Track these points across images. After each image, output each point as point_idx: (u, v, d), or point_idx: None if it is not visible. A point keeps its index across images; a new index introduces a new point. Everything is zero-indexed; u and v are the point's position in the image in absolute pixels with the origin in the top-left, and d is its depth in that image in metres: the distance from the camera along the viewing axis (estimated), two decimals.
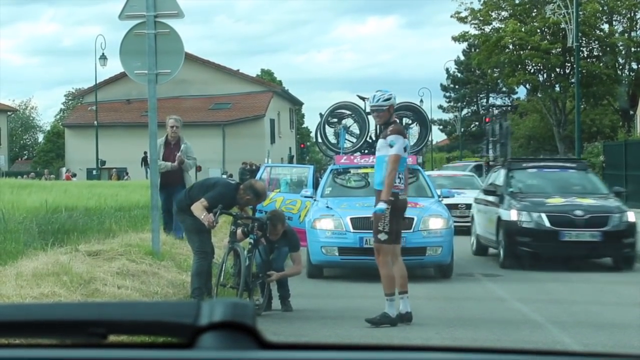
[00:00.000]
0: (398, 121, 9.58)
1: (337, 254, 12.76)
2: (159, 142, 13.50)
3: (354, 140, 16.10)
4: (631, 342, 8.14)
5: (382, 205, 8.87)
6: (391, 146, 8.93)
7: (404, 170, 9.16)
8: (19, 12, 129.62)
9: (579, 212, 14.25)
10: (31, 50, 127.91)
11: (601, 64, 36.67)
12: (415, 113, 16.55)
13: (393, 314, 8.87)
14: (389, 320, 8.84)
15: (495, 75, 44.34)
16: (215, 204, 9.33)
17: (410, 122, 16.39)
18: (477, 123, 73.19)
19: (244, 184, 9.72)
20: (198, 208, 9.28)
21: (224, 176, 11.34)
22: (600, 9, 36.54)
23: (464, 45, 50.01)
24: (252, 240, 9.62)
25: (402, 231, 12.38)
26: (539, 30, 35.89)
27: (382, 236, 8.97)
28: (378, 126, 9.34)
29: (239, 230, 9.64)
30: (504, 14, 37.87)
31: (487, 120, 43.93)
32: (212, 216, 9.21)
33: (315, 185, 15.89)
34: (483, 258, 16.44)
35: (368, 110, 16.29)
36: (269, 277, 9.70)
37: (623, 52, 37.82)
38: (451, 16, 38.17)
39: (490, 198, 15.84)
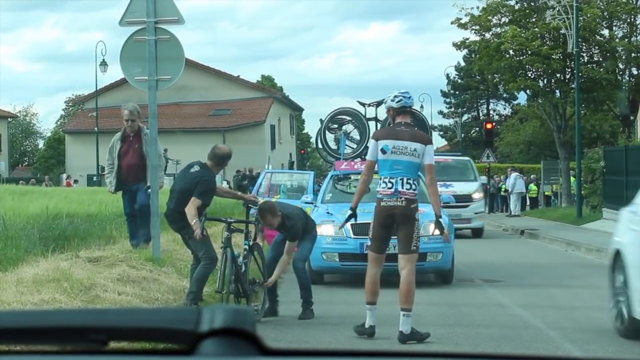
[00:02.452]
0: (400, 122, 8.91)
1: (337, 260, 12.76)
2: (116, 137, 12.69)
3: (354, 146, 16.11)
4: (632, 348, 8.13)
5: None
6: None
7: (390, 173, 8.68)
8: (22, 19, 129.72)
9: None
10: (33, 57, 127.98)
11: (601, 69, 36.68)
12: (416, 119, 16.55)
13: (368, 323, 8.63)
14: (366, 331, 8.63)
15: (495, 80, 44.36)
16: (205, 196, 9.39)
17: None
18: (477, 129, 73.18)
19: (214, 156, 9.75)
20: (191, 213, 9.25)
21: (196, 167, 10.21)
22: (600, 14, 36.54)
23: (465, 51, 50.01)
24: (246, 246, 9.61)
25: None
26: (539, 36, 35.89)
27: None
28: None
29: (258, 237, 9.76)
30: (504, 19, 37.87)
31: (487, 125, 43.81)
32: (199, 224, 9.17)
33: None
34: (485, 263, 16.41)
35: (368, 116, 16.37)
36: (266, 284, 9.66)
37: (623, 57, 37.81)
38: (451, 23, 38.18)
39: None
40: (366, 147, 15.85)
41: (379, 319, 9.09)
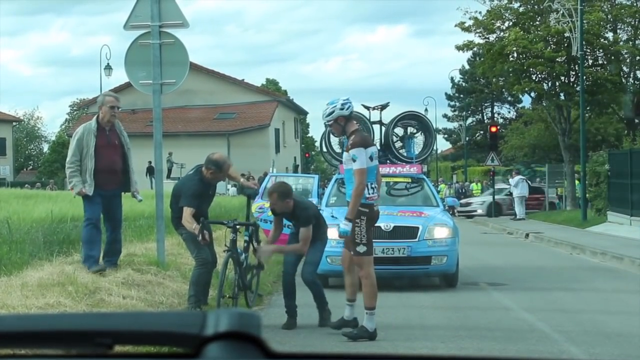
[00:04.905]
0: (359, 128, 9.16)
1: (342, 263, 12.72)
2: (85, 128, 10.50)
3: None
4: (638, 352, 8.12)
5: (345, 227, 8.64)
6: (354, 160, 8.63)
7: (375, 179, 8.89)
8: (29, 23, 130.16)
9: None
10: (40, 61, 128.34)
11: (606, 72, 36.63)
12: (420, 122, 16.55)
13: (371, 327, 8.66)
14: (368, 334, 8.64)
15: (500, 83, 44.34)
16: (195, 201, 9.37)
17: (415, 131, 16.39)
18: (482, 132, 73.19)
19: (205, 162, 9.64)
20: (187, 221, 9.31)
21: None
22: (604, 17, 36.49)
23: (469, 54, 49.98)
24: (247, 237, 9.65)
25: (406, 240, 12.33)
26: (542, 39, 35.84)
27: (361, 248, 8.73)
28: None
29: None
30: (507, 23, 37.84)
31: (492, 128, 43.75)
32: (199, 229, 9.15)
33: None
34: (489, 266, 16.41)
35: (373, 119, 16.37)
36: (259, 252, 9.46)
37: (628, 60, 37.77)
38: (455, 25, 38.19)
39: None
40: None
41: (384, 323, 9.09)
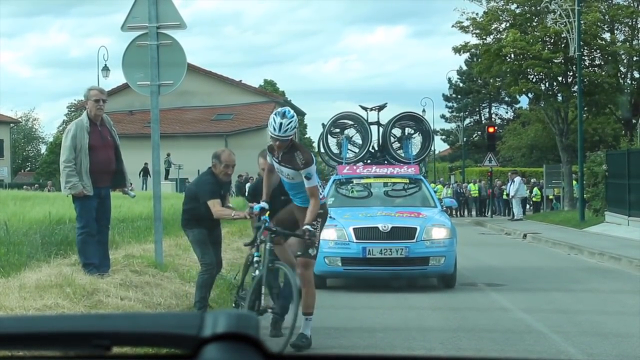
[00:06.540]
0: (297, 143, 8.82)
1: (340, 264, 12.75)
2: (77, 124, 10.26)
3: (357, 150, 16.11)
4: (635, 352, 8.12)
5: (310, 227, 8.08)
6: (308, 178, 8.14)
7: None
8: (27, 24, 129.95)
9: None
10: (39, 62, 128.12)
11: (603, 73, 36.64)
12: (418, 123, 16.55)
13: (309, 334, 8.30)
14: (309, 342, 8.25)
15: (497, 84, 44.35)
16: (216, 193, 9.32)
17: (412, 131, 16.40)
18: (479, 132, 73.20)
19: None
20: (219, 211, 9.18)
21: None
22: (602, 17, 36.50)
23: (467, 55, 49.95)
24: (257, 258, 8.46)
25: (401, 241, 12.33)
26: (540, 40, 35.83)
27: (313, 251, 8.29)
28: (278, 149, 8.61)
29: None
30: (504, 24, 37.85)
31: (489, 129, 43.68)
32: (239, 212, 9.15)
33: None
34: (487, 267, 16.42)
35: (371, 120, 16.37)
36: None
37: (625, 61, 37.78)
38: (452, 26, 38.22)
39: None
40: (368, 152, 15.89)
41: (382, 325, 9.08)
